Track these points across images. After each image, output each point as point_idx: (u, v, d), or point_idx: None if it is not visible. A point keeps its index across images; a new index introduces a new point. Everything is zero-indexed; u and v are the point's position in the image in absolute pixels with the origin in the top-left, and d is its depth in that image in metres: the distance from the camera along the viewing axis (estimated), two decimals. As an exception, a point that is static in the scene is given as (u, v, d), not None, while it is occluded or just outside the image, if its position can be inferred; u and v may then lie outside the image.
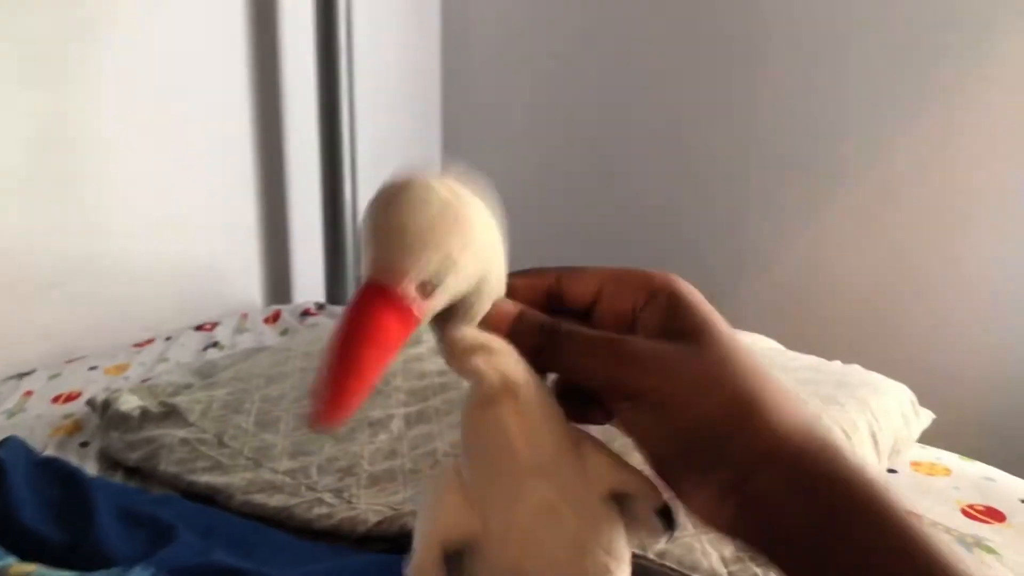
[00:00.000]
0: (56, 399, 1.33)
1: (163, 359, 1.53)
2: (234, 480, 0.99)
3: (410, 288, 0.33)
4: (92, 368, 1.47)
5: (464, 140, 2.42)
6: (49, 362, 1.50)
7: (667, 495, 0.37)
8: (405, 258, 0.33)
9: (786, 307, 1.95)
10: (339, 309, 1.81)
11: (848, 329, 1.87)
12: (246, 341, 1.64)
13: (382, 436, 1.05)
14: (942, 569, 0.31)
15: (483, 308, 0.37)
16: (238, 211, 1.91)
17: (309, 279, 2.03)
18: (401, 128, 2.32)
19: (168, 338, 1.64)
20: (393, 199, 0.34)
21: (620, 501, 0.37)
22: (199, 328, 1.70)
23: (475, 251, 0.34)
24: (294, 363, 1.23)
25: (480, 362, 0.35)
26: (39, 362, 1.50)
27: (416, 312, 0.33)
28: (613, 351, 0.35)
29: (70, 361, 1.51)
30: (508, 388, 0.35)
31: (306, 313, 1.77)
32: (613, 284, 0.38)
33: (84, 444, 1.16)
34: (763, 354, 1.12)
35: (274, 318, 1.76)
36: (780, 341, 1.42)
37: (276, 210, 1.98)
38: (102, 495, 0.90)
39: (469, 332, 0.36)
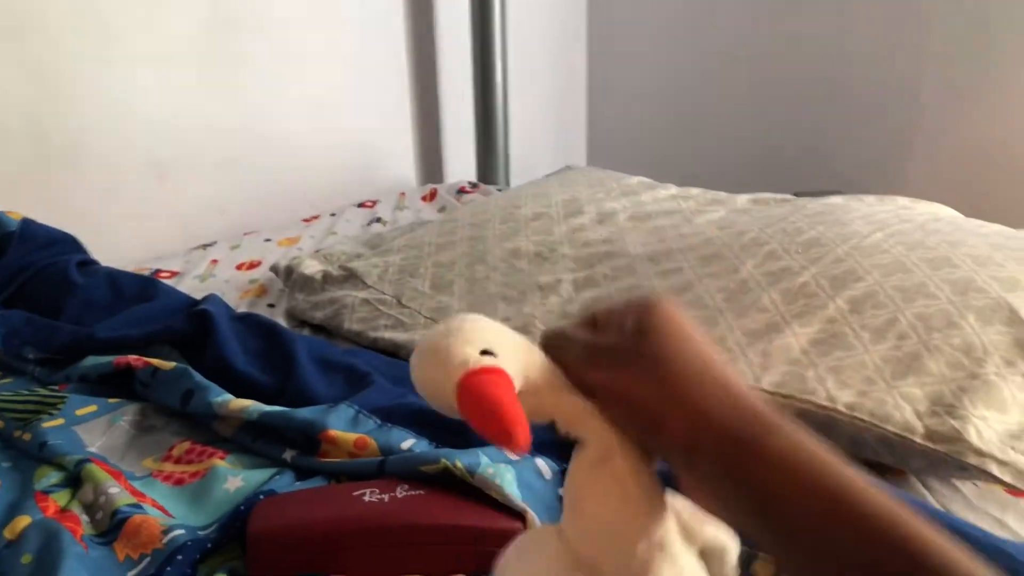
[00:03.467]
0: (240, 266, 1.42)
1: (331, 233, 1.59)
2: (415, 336, 1.04)
3: (474, 355, 0.40)
4: (267, 240, 1.56)
5: (610, 22, 2.35)
6: (228, 235, 1.60)
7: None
8: (461, 347, 0.41)
9: (958, 178, 1.84)
10: (493, 188, 1.83)
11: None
12: (406, 217, 1.69)
13: (553, 299, 1.07)
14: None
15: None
16: (392, 92, 1.94)
17: (461, 159, 2.06)
18: (548, 5, 2.28)
19: (333, 214, 1.71)
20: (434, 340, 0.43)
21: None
22: (361, 205, 1.76)
23: (509, 338, 0.43)
24: (462, 232, 1.26)
25: (594, 422, 0.41)
26: (219, 235, 1.60)
27: (494, 363, 0.40)
28: (576, 355, 0.42)
29: (247, 234, 1.60)
30: (614, 446, 0.40)
31: (462, 191, 1.80)
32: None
33: (271, 305, 1.24)
34: (948, 221, 1.07)
35: (431, 196, 1.80)
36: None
37: (429, 91, 2.00)
38: (300, 346, 0.96)
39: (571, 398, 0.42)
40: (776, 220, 1.09)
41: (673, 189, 1.38)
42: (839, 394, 0.76)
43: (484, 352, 0.40)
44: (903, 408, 0.73)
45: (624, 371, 0.39)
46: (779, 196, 1.31)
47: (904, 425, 0.72)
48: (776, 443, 0.35)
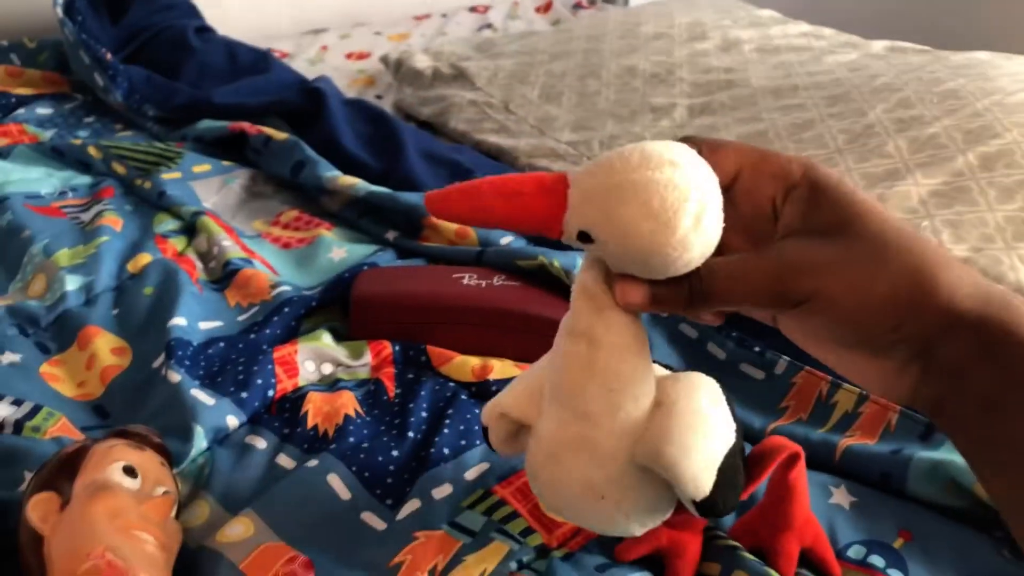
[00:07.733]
0: (349, 56, 1.42)
1: (441, 33, 1.56)
2: (519, 144, 1.03)
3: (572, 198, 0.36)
4: (377, 33, 1.53)
5: None
6: (338, 23, 1.58)
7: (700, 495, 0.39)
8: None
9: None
10: (610, 6, 1.75)
11: None
12: (518, 27, 1.64)
13: (664, 122, 1.04)
14: None
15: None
16: None
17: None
18: None
19: (444, 15, 1.67)
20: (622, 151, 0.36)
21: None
22: (473, 10, 1.71)
23: (627, 236, 0.35)
24: (578, 44, 1.22)
25: (583, 303, 0.39)
26: (329, 22, 1.58)
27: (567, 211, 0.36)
28: (765, 270, 0.35)
29: (357, 25, 1.58)
30: (588, 336, 0.38)
31: (578, 5, 1.73)
32: (751, 170, 0.38)
33: (379, 97, 1.24)
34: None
35: (546, 8, 1.73)
36: None
37: None
38: (407, 135, 0.97)
39: (591, 277, 0.38)
40: (913, 68, 1.03)
41: (804, 26, 1.30)
42: (953, 247, 0.74)
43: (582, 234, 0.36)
44: (1019, 269, 0.71)
45: (840, 272, 0.33)
46: (919, 47, 1.22)
47: (1017, 287, 0.70)
48: None
